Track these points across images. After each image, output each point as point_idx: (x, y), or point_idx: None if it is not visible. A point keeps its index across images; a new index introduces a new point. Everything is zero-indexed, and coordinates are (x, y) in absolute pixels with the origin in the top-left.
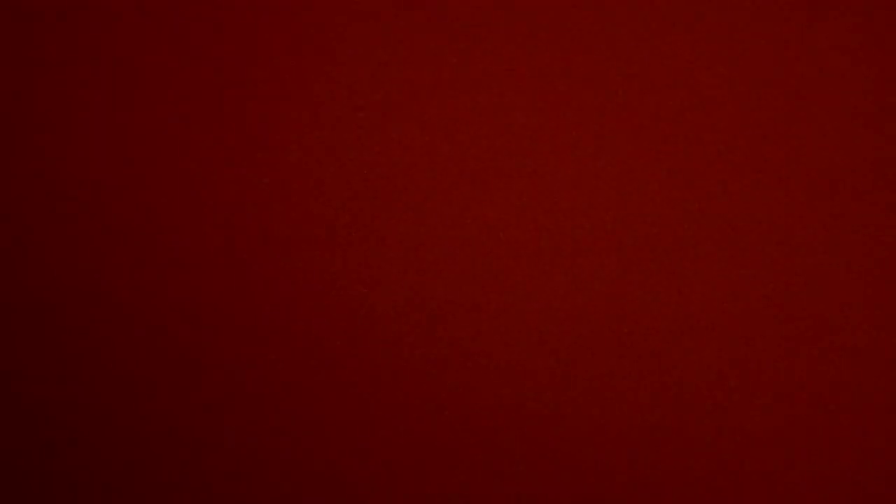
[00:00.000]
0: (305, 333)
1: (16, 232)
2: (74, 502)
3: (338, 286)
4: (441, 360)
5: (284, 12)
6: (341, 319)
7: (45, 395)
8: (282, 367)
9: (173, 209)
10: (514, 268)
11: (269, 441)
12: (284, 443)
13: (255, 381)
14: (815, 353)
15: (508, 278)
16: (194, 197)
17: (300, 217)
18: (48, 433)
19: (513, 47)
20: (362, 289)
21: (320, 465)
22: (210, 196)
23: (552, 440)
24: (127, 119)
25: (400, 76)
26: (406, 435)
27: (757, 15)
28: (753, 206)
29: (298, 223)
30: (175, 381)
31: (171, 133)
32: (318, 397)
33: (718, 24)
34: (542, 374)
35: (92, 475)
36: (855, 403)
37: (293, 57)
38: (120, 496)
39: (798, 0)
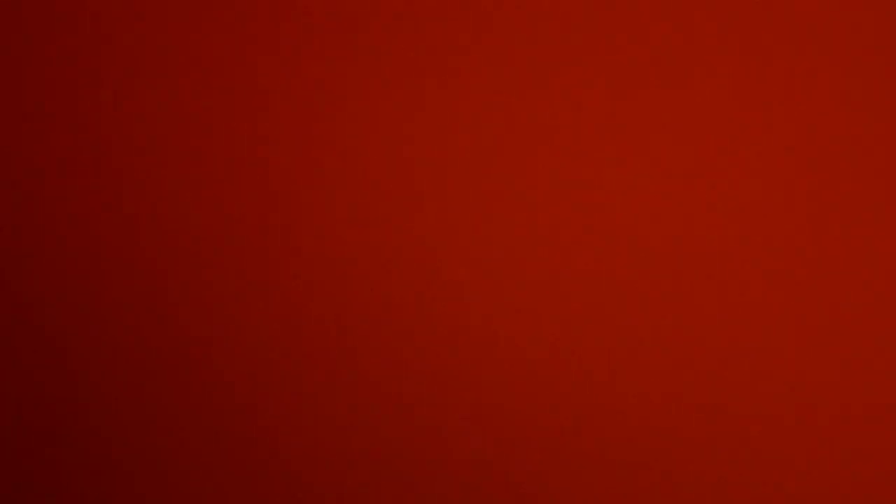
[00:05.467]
0: (308, 332)
1: (15, 231)
2: (73, 501)
3: (340, 286)
4: (441, 360)
5: (283, 12)
6: (343, 319)
7: (43, 395)
8: (282, 367)
9: (173, 208)
10: (515, 267)
11: (269, 440)
12: (284, 442)
13: (256, 380)
14: (817, 353)
15: (509, 277)
16: (193, 196)
17: (301, 216)
18: (47, 432)
19: (512, 47)
20: (367, 287)
21: (321, 464)
22: (210, 195)
23: (553, 441)
24: (127, 118)
25: (400, 76)
26: (405, 435)
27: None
28: (753, 207)
29: (300, 222)
30: (175, 381)
31: (169, 132)
32: (319, 396)
33: (718, 22)
34: (545, 375)
35: (91, 474)
36: (855, 404)
37: (292, 56)
38: (120, 496)
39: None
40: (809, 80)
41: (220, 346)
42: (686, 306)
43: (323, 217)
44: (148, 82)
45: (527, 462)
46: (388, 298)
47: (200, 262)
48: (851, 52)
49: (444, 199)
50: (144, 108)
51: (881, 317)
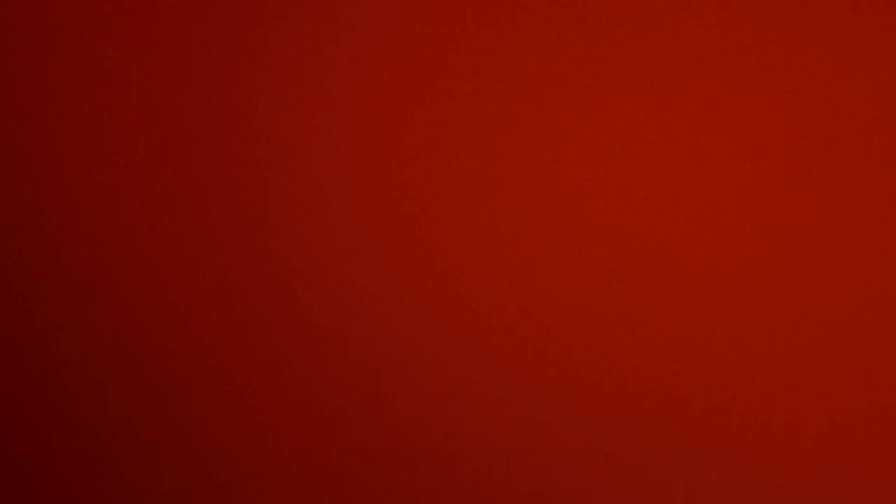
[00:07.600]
0: (307, 332)
1: (15, 231)
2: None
3: (340, 286)
4: (439, 361)
5: (283, 12)
6: (342, 319)
7: (43, 395)
8: (283, 367)
9: (173, 209)
10: (514, 267)
11: (268, 440)
12: (284, 442)
13: (256, 380)
14: (817, 353)
15: (508, 278)
16: (193, 197)
17: (301, 217)
18: (47, 433)
19: (511, 47)
20: (367, 288)
21: (321, 464)
22: (210, 196)
23: (551, 441)
24: (127, 118)
25: (401, 76)
26: (404, 435)
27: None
28: (754, 208)
29: (299, 222)
30: (175, 381)
31: (170, 132)
32: (317, 396)
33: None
34: (546, 375)
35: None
36: (855, 404)
37: (292, 56)
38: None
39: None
40: (809, 82)
41: (220, 345)
42: (685, 307)
43: (323, 217)
44: (146, 82)
45: (525, 462)
46: (388, 298)
47: (200, 262)
48: (852, 52)
49: (443, 199)
50: (142, 107)
51: (881, 316)
